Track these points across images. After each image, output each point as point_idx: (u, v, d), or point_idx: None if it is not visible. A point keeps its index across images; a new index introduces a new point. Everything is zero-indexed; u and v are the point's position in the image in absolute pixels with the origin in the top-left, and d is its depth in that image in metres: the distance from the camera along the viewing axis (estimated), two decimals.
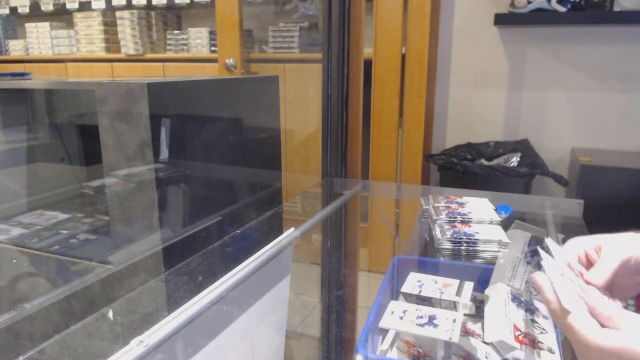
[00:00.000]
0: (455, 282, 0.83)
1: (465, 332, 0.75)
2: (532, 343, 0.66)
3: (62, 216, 1.38)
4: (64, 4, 3.34)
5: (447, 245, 0.96)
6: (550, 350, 0.65)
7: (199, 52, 2.98)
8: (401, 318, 0.72)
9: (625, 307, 0.52)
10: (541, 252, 0.60)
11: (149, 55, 3.08)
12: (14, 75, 1.39)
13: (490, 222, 1.03)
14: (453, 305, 0.75)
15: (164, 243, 1.03)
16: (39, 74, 3.35)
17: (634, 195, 1.81)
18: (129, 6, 3.12)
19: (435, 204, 1.13)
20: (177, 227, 1.07)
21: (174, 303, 0.72)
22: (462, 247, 0.95)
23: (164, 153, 1.01)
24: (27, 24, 3.47)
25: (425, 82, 2.22)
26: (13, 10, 3.60)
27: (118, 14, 3.08)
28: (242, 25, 2.55)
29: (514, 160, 2.14)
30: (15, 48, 3.59)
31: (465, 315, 0.77)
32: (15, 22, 3.72)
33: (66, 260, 1.11)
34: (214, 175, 1.20)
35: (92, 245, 1.20)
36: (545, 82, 2.20)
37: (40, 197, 1.50)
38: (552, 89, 2.20)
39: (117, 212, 1.04)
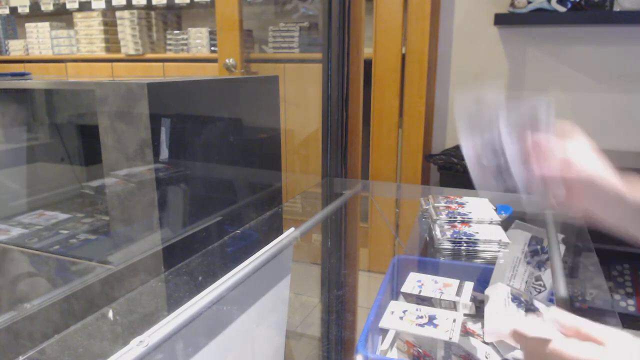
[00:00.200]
0: (455, 282, 0.83)
1: (465, 332, 0.75)
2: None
3: (62, 216, 1.38)
4: (64, 4, 3.34)
5: (447, 245, 0.96)
6: None
7: (199, 52, 2.98)
8: (401, 318, 0.72)
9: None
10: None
11: (149, 55, 3.08)
12: (14, 75, 1.39)
13: (490, 222, 1.03)
14: (453, 305, 0.75)
15: (164, 243, 1.03)
16: (39, 74, 3.36)
17: None
18: (129, 6, 3.12)
19: (435, 204, 1.13)
20: (177, 227, 1.07)
21: (174, 303, 0.72)
22: (462, 247, 0.95)
23: (164, 153, 1.01)
24: (27, 24, 3.47)
25: (425, 82, 2.22)
26: (13, 10, 3.60)
27: (118, 14, 3.07)
28: (242, 25, 2.55)
29: None
30: (15, 48, 3.59)
31: (465, 315, 0.77)
32: (15, 22, 3.72)
33: (66, 260, 1.11)
34: (214, 175, 1.20)
35: (92, 245, 1.20)
36: (545, 82, 2.20)
37: (40, 197, 1.50)
38: (552, 89, 2.20)
39: (117, 212, 1.04)
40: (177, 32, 3.07)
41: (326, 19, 1.52)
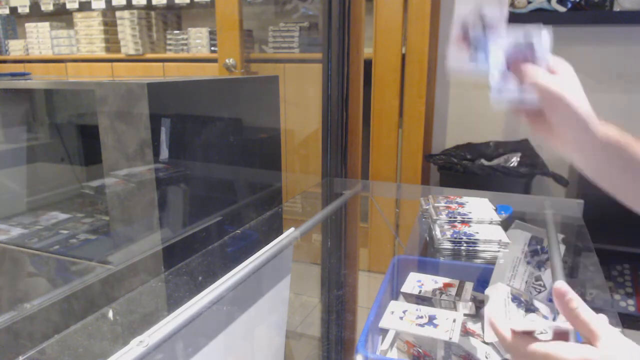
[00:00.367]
0: (455, 282, 0.83)
1: (465, 332, 0.75)
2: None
3: (62, 216, 1.38)
4: (64, 4, 3.34)
5: (447, 245, 0.96)
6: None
7: (199, 52, 2.98)
8: (401, 318, 0.72)
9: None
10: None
11: (149, 55, 3.08)
12: (14, 75, 1.39)
13: (490, 222, 1.03)
14: (453, 305, 0.75)
15: (164, 243, 1.03)
16: (39, 74, 3.36)
17: None
18: (129, 6, 3.12)
19: (435, 204, 1.13)
20: (177, 227, 1.07)
21: (174, 303, 0.72)
22: (462, 247, 0.95)
23: (164, 153, 1.01)
24: (27, 24, 3.47)
25: (425, 82, 2.22)
26: (13, 10, 3.60)
27: (118, 14, 3.07)
28: (242, 25, 2.55)
29: (514, 160, 2.14)
30: (15, 48, 3.59)
31: (465, 315, 0.77)
32: (15, 22, 3.72)
33: (66, 260, 1.11)
34: (214, 175, 1.20)
35: (92, 245, 1.20)
36: None
37: (40, 197, 1.50)
38: None
39: (117, 212, 1.04)
40: (177, 32, 3.07)
41: (326, 19, 1.52)
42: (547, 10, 1.99)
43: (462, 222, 1.04)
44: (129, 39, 3.05)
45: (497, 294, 0.69)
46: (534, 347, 0.49)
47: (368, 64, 2.26)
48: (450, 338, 0.66)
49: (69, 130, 1.57)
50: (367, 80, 2.26)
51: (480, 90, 2.32)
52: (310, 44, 2.71)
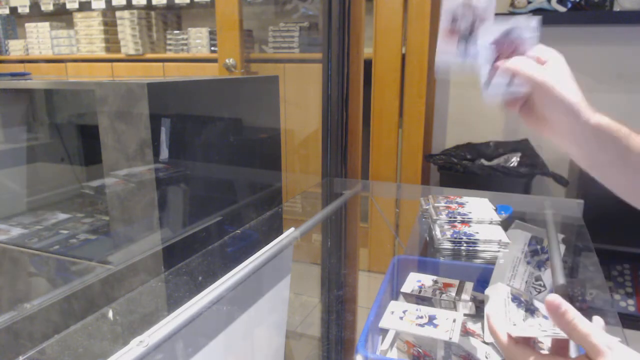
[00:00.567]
0: (455, 282, 0.83)
1: (465, 332, 0.75)
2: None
3: (62, 216, 1.38)
4: (64, 4, 3.34)
5: (447, 245, 0.96)
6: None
7: (199, 52, 2.98)
8: (401, 318, 0.72)
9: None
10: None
11: (149, 55, 3.08)
12: (14, 75, 1.39)
13: (490, 222, 1.03)
14: (453, 305, 0.75)
15: (164, 243, 1.03)
16: (39, 74, 3.36)
17: None
18: (129, 6, 3.12)
19: (435, 204, 1.13)
20: (177, 227, 1.07)
21: (174, 303, 0.72)
22: (462, 247, 0.95)
23: (164, 153, 1.01)
24: (27, 24, 3.47)
25: (425, 82, 2.22)
26: (13, 10, 3.60)
27: (118, 14, 3.07)
28: (242, 25, 2.55)
29: (514, 160, 2.14)
30: (15, 48, 3.59)
31: (465, 315, 0.77)
32: (15, 22, 3.72)
33: (66, 260, 1.11)
34: (214, 175, 1.20)
35: (92, 245, 1.20)
36: None
37: (40, 197, 1.50)
38: None
39: (117, 212, 1.04)
40: (177, 32, 3.07)
41: (326, 19, 1.52)
42: (547, 10, 1.99)
43: (462, 222, 1.04)
44: (129, 39, 3.05)
45: (497, 294, 0.69)
46: (530, 358, 0.49)
47: (368, 64, 2.26)
48: (450, 338, 0.66)
49: (69, 130, 1.57)
50: (367, 80, 2.26)
51: (480, 90, 2.32)
52: (310, 44, 2.71)
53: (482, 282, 0.83)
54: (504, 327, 0.53)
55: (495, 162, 2.18)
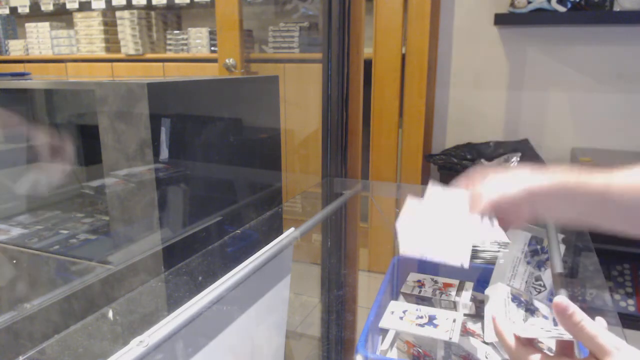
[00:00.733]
0: (455, 282, 0.83)
1: (465, 332, 0.75)
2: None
3: (62, 216, 1.38)
4: (64, 4, 3.34)
5: None
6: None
7: (199, 52, 2.98)
8: (401, 318, 0.72)
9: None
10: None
11: (149, 55, 3.08)
12: (14, 75, 1.39)
13: None
14: (453, 305, 0.75)
15: (164, 243, 1.03)
16: (39, 74, 3.35)
17: None
18: (129, 6, 3.12)
19: None
20: (177, 227, 1.07)
21: (174, 303, 0.72)
22: None
23: (164, 153, 1.01)
24: (27, 24, 3.47)
25: (425, 82, 2.22)
26: (13, 10, 3.60)
27: (118, 14, 3.08)
28: (242, 25, 2.55)
29: (514, 160, 2.14)
30: (15, 48, 3.59)
31: (465, 315, 0.77)
32: (15, 22, 3.72)
33: (66, 260, 1.11)
34: (214, 175, 1.20)
35: (92, 245, 1.20)
36: (545, 82, 2.20)
37: (40, 197, 1.50)
38: (552, 89, 2.20)
39: (117, 212, 1.04)
40: (177, 32, 3.07)
41: (326, 19, 1.52)
42: (547, 10, 1.99)
43: None
44: (129, 39, 3.05)
45: (497, 294, 0.69)
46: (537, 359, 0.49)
47: (368, 64, 2.26)
48: (450, 338, 0.66)
49: (69, 130, 1.57)
50: (367, 80, 2.26)
51: (480, 90, 2.32)
52: (310, 44, 2.71)
53: (482, 282, 0.83)
54: (510, 328, 0.53)
55: (495, 162, 2.18)
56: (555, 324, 0.70)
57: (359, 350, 0.69)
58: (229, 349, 0.71)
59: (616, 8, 1.94)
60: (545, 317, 0.72)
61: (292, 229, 0.89)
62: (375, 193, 1.78)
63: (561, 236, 0.96)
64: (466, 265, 0.65)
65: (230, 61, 2.55)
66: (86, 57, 3.26)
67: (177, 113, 1.04)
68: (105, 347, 0.66)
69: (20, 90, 1.48)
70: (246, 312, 0.74)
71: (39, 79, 1.38)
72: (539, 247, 0.87)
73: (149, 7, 3.09)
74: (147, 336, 0.54)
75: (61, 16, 3.48)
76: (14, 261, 1.16)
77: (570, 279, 0.89)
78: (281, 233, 0.87)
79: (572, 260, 1.00)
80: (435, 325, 0.69)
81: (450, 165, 2.09)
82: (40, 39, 3.45)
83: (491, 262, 0.88)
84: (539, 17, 2.03)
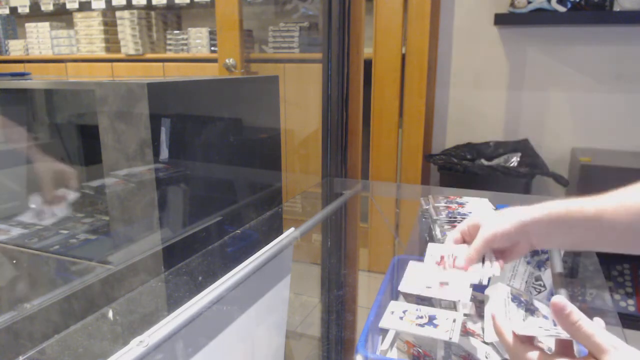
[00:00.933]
0: None
1: (465, 332, 0.75)
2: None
3: (62, 215, 1.38)
4: (64, 4, 3.34)
5: None
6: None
7: (199, 52, 2.98)
8: (401, 318, 0.72)
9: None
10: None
11: (149, 55, 3.08)
12: (14, 75, 1.39)
13: None
14: (453, 305, 0.75)
15: (164, 243, 1.03)
16: (39, 74, 3.35)
17: None
18: (129, 6, 3.12)
19: (435, 204, 1.13)
20: (177, 227, 1.07)
21: (174, 303, 0.72)
22: None
23: (164, 153, 1.01)
24: (27, 24, 3.47)
25: (425, 82, 2.22)
26: (13, 10, 3.60)
27: (118, 14, 3.08)
28: (242, 25, 2.55)
29: (514, 160, 2.14)
30: (15, 48, 3.59)
31: (465, 315, 0.77)
32: (15, 22, 3.72)
33: (66, 260, 1.11)
34: (214, 175, 1.20)
35: (92, 245, 1.20)
36: (545, 82, 2.20)
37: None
38: (552, 89, 2.20)
39: (117, 212, 1.04)
40: (177, 32, 3.07)
41: (326, 19, 1.52)
42: (547, 10, 2.00)
43: None
44: (129, 39, 3.05)
45: (497, 294, 0.69)
46: (535, 357, 0.49)
47: (368, 64, 2.26)
48: (450, 338, 0.66)
49: (69, 130, 1.57)
50: (367, 80, 2.26)
51: (480, 90, 2.32)
52: (310, 44, 2.71)
53: None
54: (510, 326, 0.54)
55: (495, 162, 2.18)
56: (555, 324, 0.70)
57: (359, 350, 0.69)
58: (229, 349, 0.71)
59: (616, 8, 1.94)
60: (545, 317, 0.72)
61: (292, 229, 0.89)
62: (375, 193, 1.78)
63: None
64: (465, 300, 0.68)
65: (230, 61, 2.55)
66: (86, 57, 3.26)
67: (177, 113, 1.04)
68: (105, 347, 0.66)
69: (20, 90, 1.48)
70: (246, 312, 0.74)
71: (39, 79, 1.38)
72: (539, 248, 0.87)
73: (149, 7, 3.09)
74: (147, 336, 0.54)
75: (61, 16, 3.48)
76: (14, 261, 1.16)
77: (570, 279, 0.89)
78: (281, 233, 0.87)
79: (572, 260, 1.00)
80: (435, 325, 0.69)
81: (450, 165, 2.09)
82: (40, 39, 3.45)
83: None
84: (539, 17, 2.03)
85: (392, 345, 0.75)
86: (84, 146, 1.59)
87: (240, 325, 0.73)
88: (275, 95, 1.45)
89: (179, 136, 1.04)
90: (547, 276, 0.81)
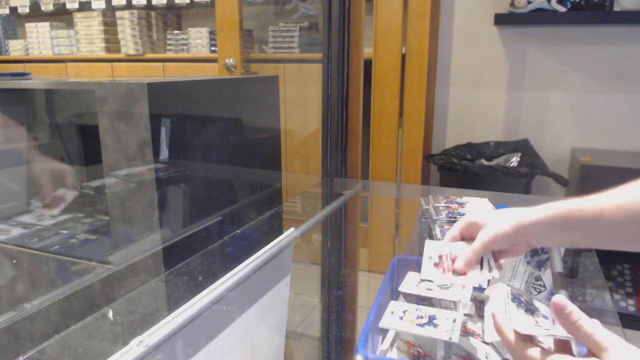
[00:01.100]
0: None
1: (465, 332, 0.75)
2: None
3: (62, 216, 1.38)
4: (64, 4, 3.34)
5: None
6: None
7: (199, 52, 2.98)
8: (401, 318, 0.72)
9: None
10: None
11: (149, 55, 3.08)
12: (14, 75, 1.39)
13: None
14: (453, 305, 0.75)
15: (164, 243, 1.03)
16: (39, 74, 3.35)
17: None
18: (129, 6, 3.12)
19: (435, 204, 1.13)
20: (177, 227, 1.07)
21: (174, 303, 0.72)
22: None
23: (164, 153, 1.01)
24: (27, 24, 3.47)
25: (425, 82, 2.22)
26: (13, 10, 3.60)
27: (118, 14, 3.08)
28: (242, 25, 2.55)
29: (514, 160, 2.14)
30: (15, 48, 3.59)
31: (465, 315, 0.77)
32: (15, 22, 3.72)
33: (66, 260, 1.11)
34: (214, 175, 1.20)
35: (92, 245, 1.20)
36: (545, 82, 2.20)
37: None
38: (552, 89, 2.20)
39: (117, 212, 1.04)
40: (177, 32, 3.07)
41: (326, 19, 1.52)
42: (547, 10, 2.00)
43: None
44: (129, 39, 3.05)
45: (497, 294, 0.69)
46: (536, 355, 0.49)
47: (368, 64, 2.26)
48: (450, 338, 0.66)
49: (69, 130, 1.57)
50: (367, 80, 2.26)
51: (480, 90, 2.32)
52: (310, 44, 2.71)
53: None
54: (510, 324, 0.54)
55: (495, 162, 2.18)
56: (555, 324, 0.70)
57: (359, 350, 0.69)
58: (229, 349, 0.71)
59: (616, 8, 1.94)
60: (546, 317, 0.72)
61: (292, 229, 0.89)
62: (375, 193, 1.78)
63: None
64: (465, 301, 0.69)
65: (230, 61, 2.55)
66: (86, 57, 3.26)
67: (177, 113, 1.04)
68: (105, 347, 0.66)
69: (20, 90, 1.48)
70: (246, 312, 0.74)
71: (39, 79, 1.38)
72: (539, 247, 0.87)
73: (149, 7, 3.09)
74: (147, 336, 0.54)
75: (61, 16, 3.48)
76: (14, 261, 1.16)
77: (570, 279, 0.89)
78: (281, 233, 0.87)
79: (572, 260, 1.00)
80: (435, 325, 0.69)
81: (450, 165, 2.09)
82: (40, 39, 3.45)
83: None
84: (539, 17, 2.03)
85: (392, 345, 0.75)
86: (84, 146, 1.59)
87: (240, 325, 0.73)
88: (275, 95, 1.45)
89: (179, 136, 1.04)
90: (547, 276, 0.81)
